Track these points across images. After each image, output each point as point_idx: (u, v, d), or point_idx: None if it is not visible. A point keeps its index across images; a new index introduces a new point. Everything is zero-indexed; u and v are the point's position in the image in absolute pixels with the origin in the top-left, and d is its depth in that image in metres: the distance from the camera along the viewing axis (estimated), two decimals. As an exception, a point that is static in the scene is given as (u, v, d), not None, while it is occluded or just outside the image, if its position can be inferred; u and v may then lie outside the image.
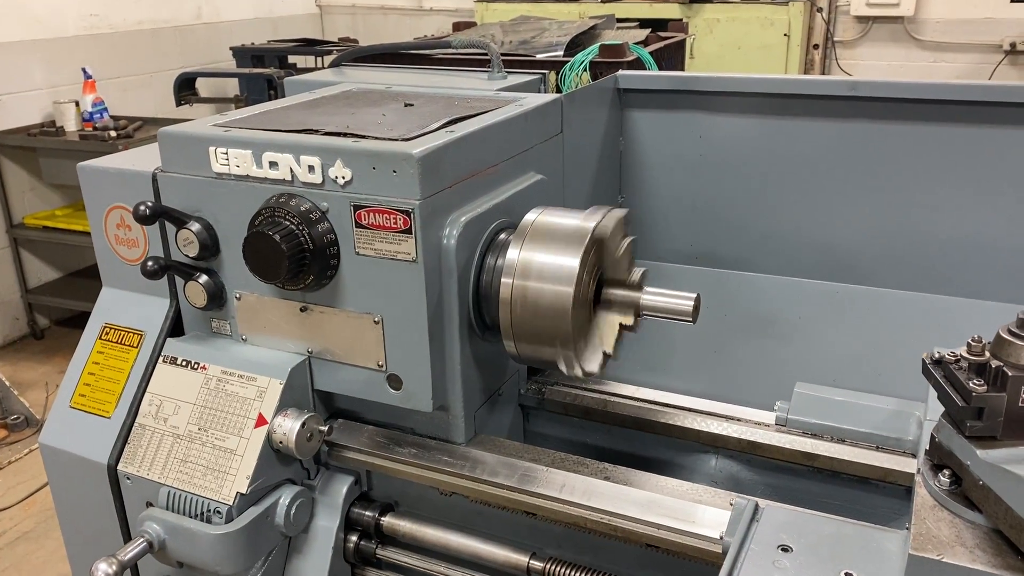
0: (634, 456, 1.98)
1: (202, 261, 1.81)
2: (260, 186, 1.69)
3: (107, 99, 5.62)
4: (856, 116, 2.18)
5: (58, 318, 6.06)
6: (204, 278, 1.81)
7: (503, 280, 1.64)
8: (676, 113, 2.40)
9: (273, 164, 1.67)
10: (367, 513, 1.84)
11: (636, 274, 1.71)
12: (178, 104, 5.42)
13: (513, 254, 1.65)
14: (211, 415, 1.77)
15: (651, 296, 1.66)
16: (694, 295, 1.64)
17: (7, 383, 4.67)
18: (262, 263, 1.64)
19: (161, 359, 1.86)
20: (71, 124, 5.39)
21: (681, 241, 2.48)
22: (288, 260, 1.60)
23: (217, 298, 1.82)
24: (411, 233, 1.58)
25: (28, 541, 3.97)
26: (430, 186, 1.59)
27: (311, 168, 1.63)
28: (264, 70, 5.41)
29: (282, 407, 1.74)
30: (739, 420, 1.85)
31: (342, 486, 1.84)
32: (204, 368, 1.82)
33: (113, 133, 5.21)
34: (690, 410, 1.89)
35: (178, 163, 1.79)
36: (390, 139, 1.64)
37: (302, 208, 1.64)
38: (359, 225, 1.62)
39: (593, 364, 1.68)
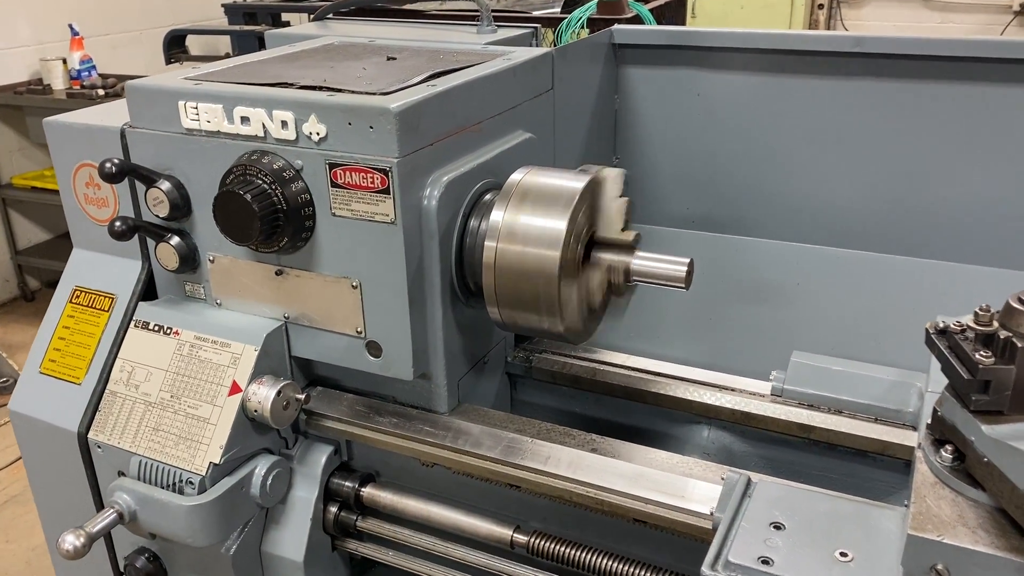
0: (624, 426, 1.91)
1: (173, 222, 1.73)
2: (232, 143, 1.61)
3: (96, 57, 5.50)
4: (861, 74, 2.09)
5: (49, 280, 5.98)
6: (176, 239, 1.73)
7: (486, 243, 1.56)
8: (674, 70, 2.30)
9: (245, 119, 1.58)
10: (347, 484, 1.78)
11: (630, 237, 1.63)
12: (168, 62, 5.30)
13: (497, 216, 1.56)
14: (184, 382, 1.71)
15: (642, 260, 1.58)
16: (687, 260, 1.56)
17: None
18: (233, 224, 1.56)
19: (133, 324, 1.79)
20: (58, 82, 5.28)
21: (677, 204, 2.40)
22: (260, 221, 1.52)
23: (190, 260, 1.75)
24: (389, 193, 1.50)
25: (16, 504, 3.94)
26: (409, 143, 1.50)
27: (284, 124, 1.55)
28: (256, 27, 5.28)
29: (257, 374, 1.67)
30: (733, 390, 1.78)
31: (321, 456, 1.78)
32: (177, 333, 1.75)
33: (101, 91, 5.11)
34: (682, 379, 1.82)
35: (147, 118, 1.70)
36: (368, 93, 1.55)
37: (275, 166, 1.56)
38: (335, 184, 1.54)
39: (581, 331, 1.61)
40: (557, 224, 1.52)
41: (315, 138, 1.53)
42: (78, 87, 5.27)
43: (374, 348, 1.64)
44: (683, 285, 1.56)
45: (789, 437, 1.73)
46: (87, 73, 5.37)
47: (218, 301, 1.77)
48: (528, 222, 1.54)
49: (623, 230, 1.65)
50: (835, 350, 2.03)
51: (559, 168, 1.68)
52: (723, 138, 2.30)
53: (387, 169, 1.48)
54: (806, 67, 2.15)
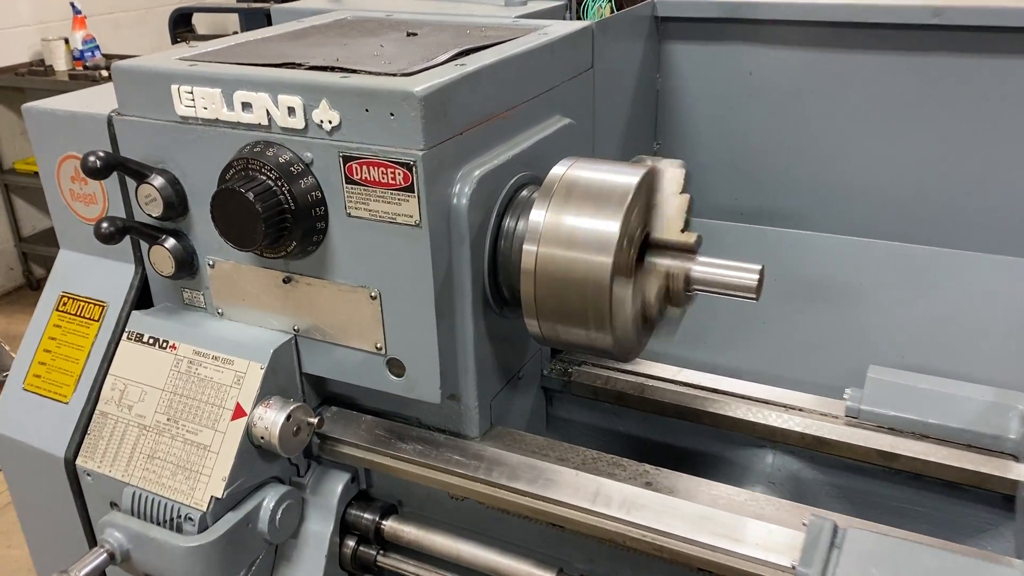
0: (675, 449, 1.71)
1: (168, 222, 1.53)
2: (232, 132, 1.41)
3: (99, 36, 5.29)
4: (938, 49, 1.86)
5: (55, 268, 5.81)
6: (171, 242, 1.53)
7: (525, 247, 1.35)
8: (722, 46, 2.08)
9: (246, 105, 1.38)
10: (366, 516, 1.59)
11: (691, 239, 1.41)
12: (174, 42, 5.09)
13: (538, 216, 1.35)
14: (182, 403, 1.51)
15: (705, 267, 1.37)
16: (758, 267, 1.35)
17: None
18: (234, 226, 1.36)
19: (125, 336, 1.59)
20: (60, 63, 5.08)
21: (725, 194, 2.18)
22: (264, 223, 1.32)
23: (187, 265, 1.55)
24: (413, 191, 1.29)
25: (20, 506, 3.77)
26: (436, 133, 1.29)
27: (291, 110, 1.34)
28: (264, 4, 5.06)
29: (263, 395, 1.47)
30: (802, 410, 1.57)
31: (337, 484, 1.58)
32: (174, 348, 1.55)
33: (105, 72, 4.89)
34: (743, 397, 1.61)
35: (137, 105, 1.50)
36: (387, 74, 1.34)
37: (281, 159, 1.35)
38: (350, 181, 1.34)
39: (633, 346, 1.40)
40: (608, 225, 1.31)
41: (327, 127, 1.32)
42: (81, 68, 5.07)
43: (396, 366, 1.44)
44: (754, 296, 1.35)
45: (866, 464, 1.52)
46: (90, 53, 5.17)
47: (220, 311, 1.58)
48: (574, 223, 1.33)
49: (683, 230, 1.43)
50: (908, 360, 1.83)
51: (607, 159, 1.47)
52: (777, 121, 2.08)
53: (411, 163, 1.28)
54: (874, 41, 1.93)
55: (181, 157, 1.48)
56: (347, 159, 1.32)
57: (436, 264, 1.34)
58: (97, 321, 1.66)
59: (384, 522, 1.58)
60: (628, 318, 1.35)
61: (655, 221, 1.42)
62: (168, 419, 1.51)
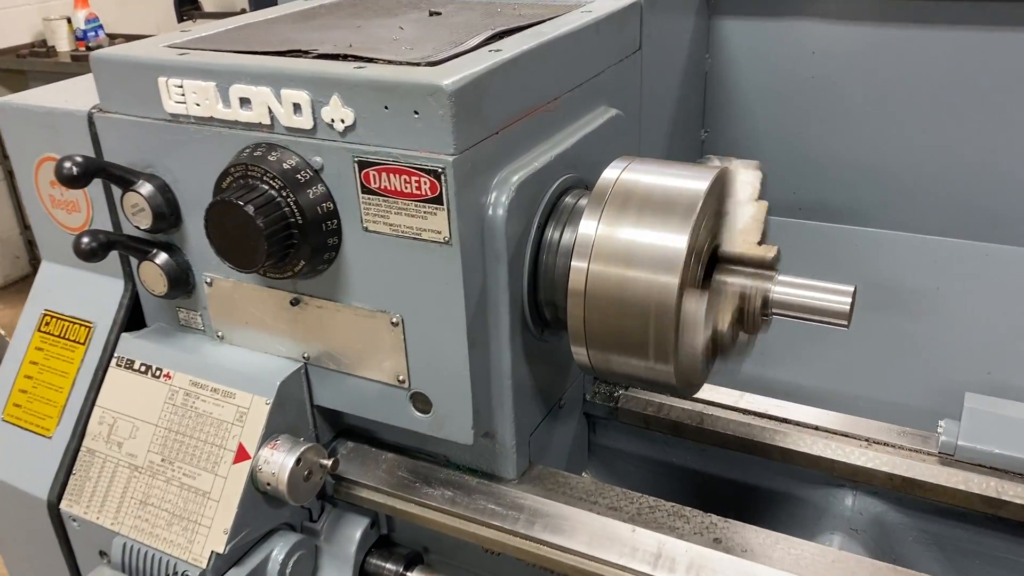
0: (737, 484, 1.51)
1: (160, 234, 1.34)
2: (229, 133, 1.21)
3: (102, 15, 5.08)
4: (1033, 23, 1.63)
5: (63, 256, 5.65)
6: (163, 257, 1.34)
7: (574, 264, 1.15)
8: (781, 21, 1.86)
9: (245, 102, 1.18)
10: (388, 566, 1.40)
11: (769, 253, 1.21)
12: (180, 20, 4.89)
13: (588, 227, 1.15)
14: (178, 442, 1.32)
15: (787, 287, 1.16)
16: (851, 289, 1.14)
17: (2, 332, 4.29)
18: (232, 244, 1.16)
19: (114, 361, 1.41)
20: (63, 44, 4.88)
21: (782, 188, 1.96)
22: (267, 240, 1.12)
23: (182, 283, 1.36)
24: (442, 203, 1.09)
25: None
26: (469, 133, 1.09)
27: (297, 107, 1.14)
28: (274, -20, 4.84)
29: (269, 434, 1.28)
30: (887, 445, 1.36)
31: (355, 530, 1.39)
32: (168, 376, 1.36)
33: (108, 54, 4.69)
34: (817, 429, 1.41)
35: (121, 100, 1.30)
36: (409, 63, 1.13)
37: (286, 165, 1.15)
38: (367, 190, 1.14)
39: (698, 379, 1.20)
40: (675, 239, 1.10)
41: (339, 127, 1.12)
42: (84, 48, 4.87)
43: (421, 401, 1.25)
44: (845, 323, 1.14)
45: (964, 509, 1.31)
46: (93, 33, 4.96)
47: (219, 334, 1.38)
48: (633, 236, 1.13)
49: (759, 243, 1.23)
50: (994, 378, 1.63)
51: (668, 160, 1.26)
52: (842, 106, 1.85)
53: (439, 170, 1.07)
54: (955, 15, 1.70)
55: (172, 161, 1.28)
56: (363, 165, 1.12)
57: (468, 286, 1.14)
58: (83, 344, 1.47)
59: (409, 573, 1.39)
60: (697, 347, 1.14)
61: (725, 232, 1.22)
62: (163, 459, 1.33)
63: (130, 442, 1.36)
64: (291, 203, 1.14)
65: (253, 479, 1.27)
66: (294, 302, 1.28)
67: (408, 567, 1.40)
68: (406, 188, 1.10)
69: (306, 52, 1.22)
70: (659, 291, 1.10)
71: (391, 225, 1.14)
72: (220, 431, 1.30)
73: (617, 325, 1.14)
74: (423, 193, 1.10)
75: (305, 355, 1.32)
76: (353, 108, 1.10)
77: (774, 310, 1.17)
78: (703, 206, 1.12)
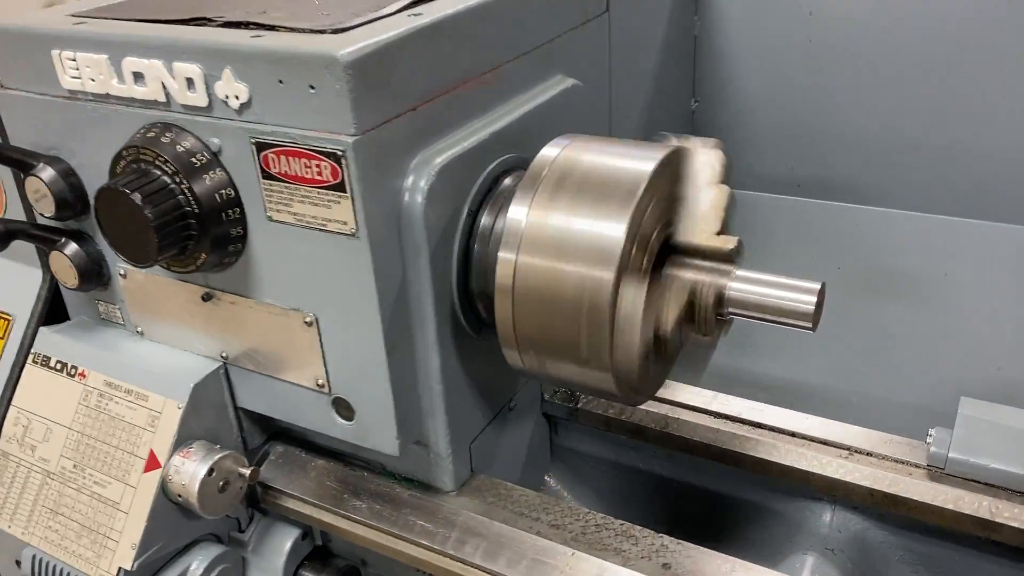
0: (708, 494, 1.38)
1: (70, 222, 1.23)
2: (126, 111, 1.09)
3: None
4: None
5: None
6: (72, 247, 1.24)
7: (501, 255, 1.02)
8: (776, -21, 1.69)
9: (138, 76, 1.06)
10: (321, 579, 1.29)
11: (728, 244, 1.06)
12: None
13: (518, 213, 1.02)
14: (90, 447, 1.23)
15: (745, 283, 1.02)
16: (817, 286, 0.99)
17: None
18: (124, 236, 1.05)
19: (31, 358, 1.31)
20: None
21: (778, 162, 1.80)
22: (158, 233, 1.01)
23: (94, 275, 1.25)
24: (345, 190, 0.96)
25: None
26: (375, 111, 0.96)
27: (190, 83, 1.02)
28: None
29: (183, 441, 1.18)
30: (870, 455, 1.22)
31: (284, 541, 1.29)
32: (83, 376, 1.26)
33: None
34: (794, 436, 1.27)
35: (20, 75, 1.19)
36: (313, 31, 1.00)
37: (180, 148, 1.03)
38: (267, 175, 1.01)
39: (641, 387, 1.07)
40: (611, 227, 0.96)
41: (234, 104, 1.00)
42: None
43: (344, 407, 1.13)
44: (809, 325, 1.00)
45: (953, 529, 1.17)
46: None
47: (139, 329, 1.28)
48: (565, 223, 0.99)
49: (719, 234, 1.08)
50: (1005, 374, 1.47)
51: (617, 138, 1.12)
52: (844, 72, 1.68)
53: (339, 153, 0.94)
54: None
55: (74, 143, 1.17)
56: (261, 147, 1.00)
57: (382, 282, 1.02)
58: (2, 338, 1.37)
59: (343, 588, 1.29)
60: (635, 351, 1.01)
61: (681, 220, 1.07)
62: (75, 465, 1.23)
63: (43, 446, 1.27)
64: (186, 190, 1.02)
65: (164, 489, 1.17)
66: (206, 297, 1.16)
67: (342, 581, 1.29)
68: (307, 173, 0.98)
69: (211, 20, 1.10)
70: (592, 286, 0.96)
71: (295, 215, 1.02)
72: (132, 436, 1.20)
73: (548, 325, 1.01)
74: (324, 179, 0.97)
75: (223, 354, 1.21)
76: (247, 83, 0.98)
77: (730, 309, 1.02)
78: (647, 189, 0.98)
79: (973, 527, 1.13)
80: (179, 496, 1.16)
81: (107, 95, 1.09)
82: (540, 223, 1.01)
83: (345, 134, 0.94)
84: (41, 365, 1.30)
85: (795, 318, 0.99)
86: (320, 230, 1.00)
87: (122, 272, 1.24)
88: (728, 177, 1.10)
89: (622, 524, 1.13)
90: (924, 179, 1.66)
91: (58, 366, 1.29)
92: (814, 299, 0.98)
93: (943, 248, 1.64)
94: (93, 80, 1.10)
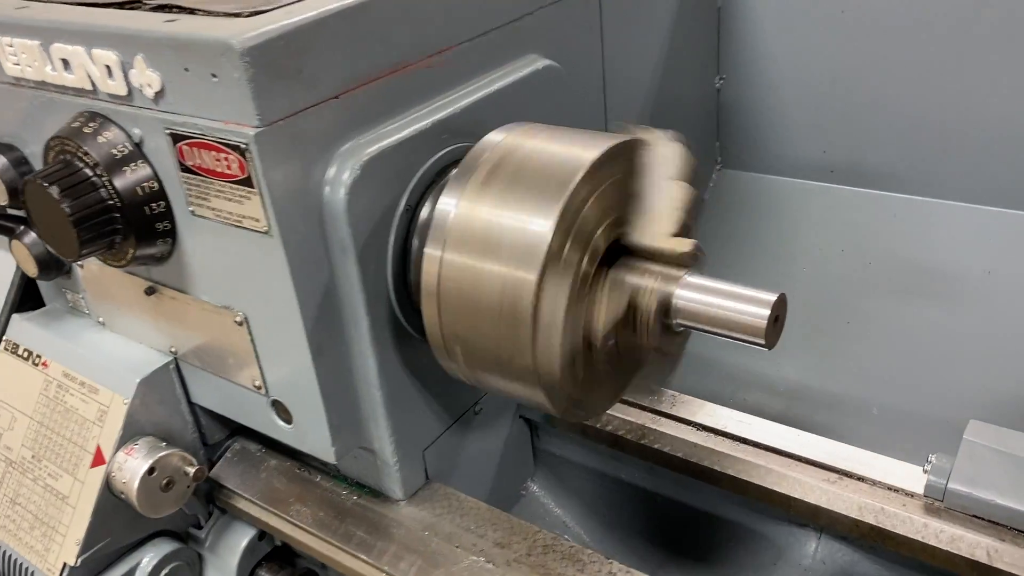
0: (689, 510, 1.27)
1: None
2: (61, 99, 1.06)
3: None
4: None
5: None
6: (31, 236, 1.22)
7: (426, 251, 0.95)
8: (806, -56, 1.53)
9: (66, 64, 1.02)
10: (277, 581, 1.26)
11: (681, 247, 0.95)
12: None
13: (447, 204, 0.94)
14: (47, 437, 1.22)
15: (691, 291, 0.91)
16: (773, 297, 0.88)
17: None
18: (51, 230, 1.02)
19: (2, 345, 1.31)
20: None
21: (810, 146, 1.65)
22: (77, 227, 0.97)
23: (53, 264, 1.23)
24: (253, 185, 0.90)
25: None
26: (285, 100, 0.89)
27: (109, 70, 0.97)
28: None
29: (130, 436, 1.15)
30: (861, 480, 1.09)
31: (240, 541, 1.26)
32: (45, 365, 1.26)
33: None
34: (780, 453, 1.15)
35: (-25, 61, 1.17)
36: (228, 15, 0.94)
37: (101, 139, 0.99)
38: (185, 168, 0.96)
39: (580, 403, 0.97)
40: (536, 222, 0.87)
41: (149, 93, 0.95)
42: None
43: (281, 410, 1.08)
44: (762, 342, 0.88)
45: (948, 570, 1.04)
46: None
47: (100, 320, 1.26)
48: (491, 216, 0.91)
49: (676, 235, 0.97)
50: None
51: (572, 128, 1.02)
52: (885, 49, 1.52)
53: (243, 147, 0.88)
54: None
55: (22, 130, 1.15)
56: (176, 138, 0.95)
57: (302, 282, 0.95)
58: (-21, 324, 1.38)
59: (297, 592, 1.25)
60: (555, 364, 0.91)
61: (635, 219, 0.97)
62: (33, 455, 1.23)
63: (8, 434, 1.26)
64: (107, 183, 0.98)
65: (109, 486, 1.14)
66: (149, 291, 1.13)
67: (297, 584, 1.25)
68: (218, 167, 0.92)
69: (143, 2, 1.05)
70: (513, 288, 0.88)
71: (213, 210, 0.96)
72: (83, 430, 1.18)
73: (473, 329, 0.93)
74: (233, 173, 0.91)
75: (173, 349, 1.17)
76: (159, 71, 0.93)
77: (678, 320, 0.92)
78: (585, 180, 0.89)
79: (968, 570, 0.99)
80: (122, 494, 1.13)
81: (43, 82, 1.06)
82: (467, 216, 0.93)
83: (248, 125, 0.87)
84: (11, 352, 1.30)
85: (747, 333, 0.88)
86: (237, 227, 0.95)
87: (80, 262, 1.22)
88: (693, 175, 0.98)
89: (572, 546, 1.04)
90: (970, 167, 1.49)
91: (25, 354, 1.28)
92: (767, 312, 0.87)
93: (987, 243, 1.47)
94: (30, 67, 1.06)
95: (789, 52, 1.62)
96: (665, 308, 0.92)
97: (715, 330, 0.90)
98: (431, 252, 0.94)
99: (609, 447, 1.25)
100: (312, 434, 1.06)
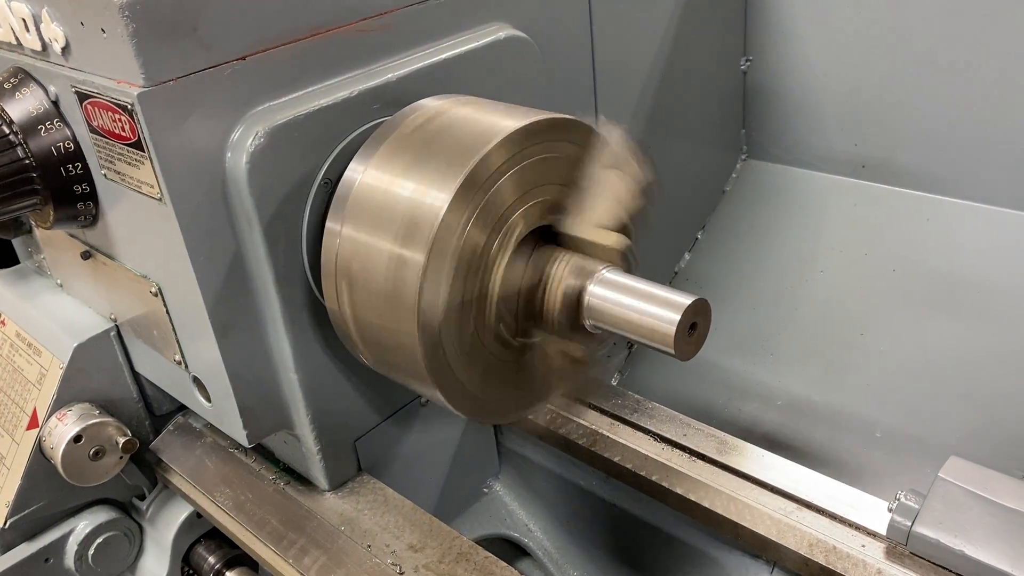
0: (644, 526, 1.17)
1: (-12, 167, 1.20)
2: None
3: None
4: None
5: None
6: (-11, 193, 1.21)
7: (328, 225, 0.88)
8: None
9: (-7, 17, 0.99)
10: (210, 559, 1.22)
11: (608, 240, 0.86)
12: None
13: (353, 174, 0.87)
14: (-3, 396, 1.22)
15: (604, 288, 0.81)
16: (686, 302, 0.77)
17: None
18: (-28, 187, 0.99)
19: (-28, 302, 1.32)
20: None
21: (841, 138, 1.51)
22: (-11, 186, 0.94)
23: (11, 224, 1.22)
24: (143, 149, 0.85)
25: None
26: (175, 59, 0.83)
27: (25, 24, 0.94)
28: None
29: (65, 402, 1.13)
30: (822, 513, 0.97)
31: (178, 515, 1.23)
32: (3, 323, 1.25)
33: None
34: (736, 473, 1.03)
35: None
36: (134, -34, 0.89)
37: (18, 95, 0.96)
38: (92, 129, 0.92)
39: (484, 404, 0.89)
40: (433, 195, 0.80)
41: (56, 48, 0.91)
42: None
43: (201, 388, 1.04)
44: (671, 350, 0.78)
45: (914, 623, 0.91)
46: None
47: (59, 282, 1.25)
48: (393, 188, 0.83)
49: (610, 226, 0.87)
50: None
51: (510, 104, 0.93)
52: (926, 39, 1.36)
53: (128, 106, 0.83)
54: None
55: (-24, 85, 1.13)
56: (82, 97, 0.91)
57: (201, 255, 0.90)
58: (-43, 280, 1.39)
59: (228, 572, 1.21)
60: (462, 358, 0.83)
61: (572, 207, 0.88)
62: (-16, 414, 1.23)
63: (-32, 390, 1.27)
64: (22, 142, 0.95)
65: (41, 450, 1.13)
66: (85, 255, 1.10)
67: (229, 565, 1.21)
68: (116, 128, 0.88)
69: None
70: (399, 270, 0.80)
71: (119, 174, 0.92)
72: (24, 391, 1.17)
73: (369, 315, 0.86)
74: (127, 135, 0.86)
75: (112, 316, 1.15)
76: (62, 26, 0.89)
77: (589, 320, 0.82)
78: (495, 153, 0.81)
79: (926, 627, 0.86)
80: (51, 459, 1.11)
81: (-18, 37, 1.04)
82: (369, 187, 0.86)
83: (135, 85, 0.82)
84: (-22, 309, 1.30)
85: (655, 340, 0.78)
86: (138, 192, 0.90)
87: (35, 222, 1.20)
88: (636, 168, 0.88)
89: (487, 557, 0.96)
90: (1012, 167, 1.32)
91: (-11, 312, 1.28)
92: (677, 318, 0.76)
93: (1022, 253, 1.30)
94: (-29, 21, 1.05)
95: (823, 33, 1.47)
96: (575, 303, 0.83)
97: (627, 334, 0.80)
98: (331, 226, 0.88)
99: (563, 451, 1.16)
100: (227, 416, 1.01)
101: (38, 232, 1.22)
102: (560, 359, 0.87)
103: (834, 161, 1.51)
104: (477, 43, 1.06)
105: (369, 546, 0.99)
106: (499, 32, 1.08)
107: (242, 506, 1.07)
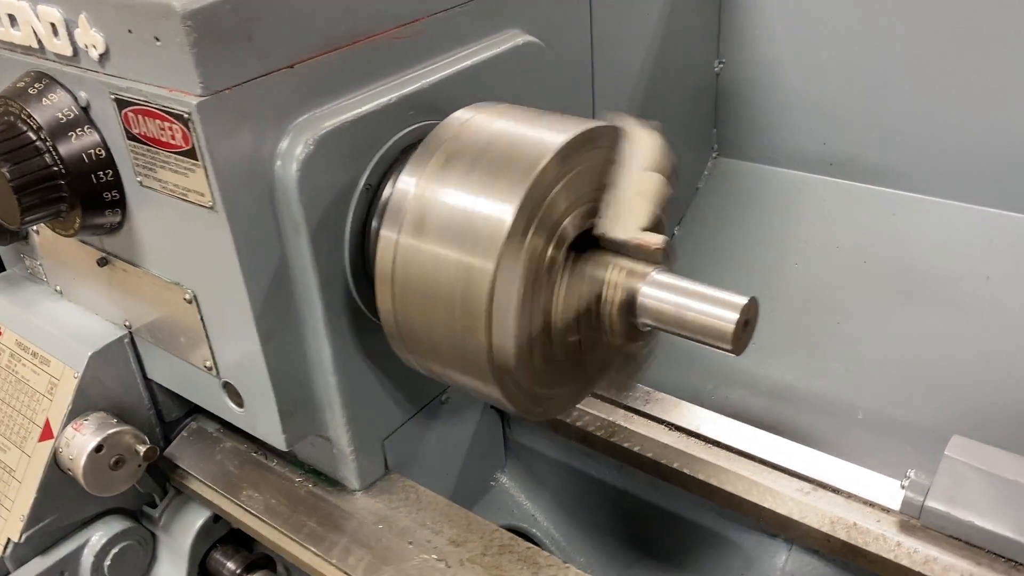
0: (660, 512, 1.22)
1: (-17, 171, 1.17)
2: (11, 57, 1.01)
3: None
4: None
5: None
6: (-15, 199, 1.17)
7: (382, 233, 0.90)
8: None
9: (12, 19, 0.97)
10: (229, 565, 1.22)
11: (651, 241, 0.90)
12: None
13: (406, 185, 0.89)
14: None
15: (658, 289, 0.86)
16: (743, 301, 0.82)
17: None
18: (-6, 195, 0.97)
19: (-39, 310, 1.27)
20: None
21: (810, 137, 1.59)
22: (17, 194, 0.92)
23: (7, 229, 1.19)
24: (197, 157, 0.85)
25: None
26: (232, 67, 0.84)
27: (54, 28, 0.92)
28: None
29: (80, 411, 1.11)
30: (836, 492, 1.04)
31: (193, 522, 1.22)
32: (0, 333, 1.22)
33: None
34: (753, 459, 1.09)
35: (-69, 14, 1.11)
36: (179, -26, 0.88)
37: (46, 101, 0.94)
38: (131, 136, 0.91)
39: (546, 400, 0.93)
40: (498, 207, 0.82)
41: (93, 55, 0.89)
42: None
43: (234, 393, 1.04)
44: (729, 347, 0.83)
45: (928, 590, 0.98)
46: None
47: (57, 288, 1.22)
48: (452, 200, 0.86)
49: (648, 229, 0.91)
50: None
51: (547, 111, 0.96)
52: (892, 38, 1.45)
53: (185, 116, 0.83)
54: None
55: (-22, 88, 1.09)
56: (122, 104, 0.90)
57: (250, 262, 0.91)
58: (-61, 288, 1.34)
59: (250, 577, 1.21)
60: (511, 357, 0.86)
61: (608, 210, 0.92)
62: (-16, 426, 1.19)
63: (-39, 402, 1.23)
64: (51, 148, 0.93)
65: (56, 461, 1.11)
66: (101, 262, 1.08)
67: (251, 570, 1.21)
68: (163, 136, 0.87)
69: (97, -41, 0.99)
70: (467, 276, 0.83)
71: (160, 181, 0.91)
72: (32, 402, 1.14)
73: (428, 318, 0.88)
74: (177, 144, 0.86)
75: (127, 323, 1.13)
76: (102, 31, 0.87)
77: (643, 319, 0.87)
78: (551, 166, 0.84)
79: (942, 593, 0.94)
80: (69, 470, 1.09)
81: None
82: (426, 197, 0.88)
83: (191, 94, 0.82)
84: (-32, 318, 1.26)
85: (713, 337, 0.83)
86: (183, 200, 0.90)
87: (35, 228, 1.17)
88: (671, 169, 0.92)
89: (529, 548, 1.00)
90: (976, 166, 1.42)
91: (-19, 321, 1.24)
92: (736, 316, 0.81)
93: (989, 245, 1.41)
94: (-13, 24, 1.01)
95: (793, 37, 1.54)
96: (630, 305, 0.87)
97: (681, 332, 0.85)
98: (387, 234, 0.89)
99: (579, 442, 1.20)
100: (263, 420, 1.01)
101: (36, 238, 1.19)
102: (616, 357, 0.91)
103: (803, 159, 1.60)
104: (499, 49, 1.08)
105: (411, 543, 1.01)
106: (517, 38, 1.11)
107: (274, 510, 1.08)
